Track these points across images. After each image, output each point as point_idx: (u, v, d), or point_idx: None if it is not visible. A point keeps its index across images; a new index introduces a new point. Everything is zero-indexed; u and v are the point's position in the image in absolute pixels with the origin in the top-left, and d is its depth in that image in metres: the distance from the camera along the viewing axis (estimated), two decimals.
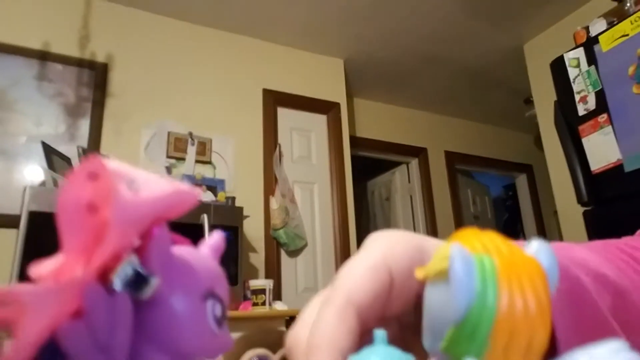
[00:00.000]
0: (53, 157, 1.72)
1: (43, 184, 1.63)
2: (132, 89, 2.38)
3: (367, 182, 4.31)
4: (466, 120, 4.27)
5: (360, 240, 4.05)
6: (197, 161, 2.42)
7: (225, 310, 0.14)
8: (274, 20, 2.69)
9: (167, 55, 2.54)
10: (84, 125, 2.18)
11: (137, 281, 0.12)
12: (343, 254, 2.71)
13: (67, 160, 1.82)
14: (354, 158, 3.37)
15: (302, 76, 2.97)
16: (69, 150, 1.97)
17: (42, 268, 0.12)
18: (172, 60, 2.54)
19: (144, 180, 0.12)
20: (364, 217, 4.26)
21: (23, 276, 1.40)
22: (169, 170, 2.34)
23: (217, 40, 2.72)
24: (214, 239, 0.16)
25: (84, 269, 0.11)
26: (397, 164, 3.95)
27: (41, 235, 1.44)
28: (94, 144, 2.17)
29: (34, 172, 1.96)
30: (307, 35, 2.85)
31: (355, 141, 3.52)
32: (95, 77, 2.26)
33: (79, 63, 2.24)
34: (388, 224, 3.98)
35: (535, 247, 0.14)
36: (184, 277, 0.13)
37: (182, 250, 0.14)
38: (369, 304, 0.17)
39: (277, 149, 2.70)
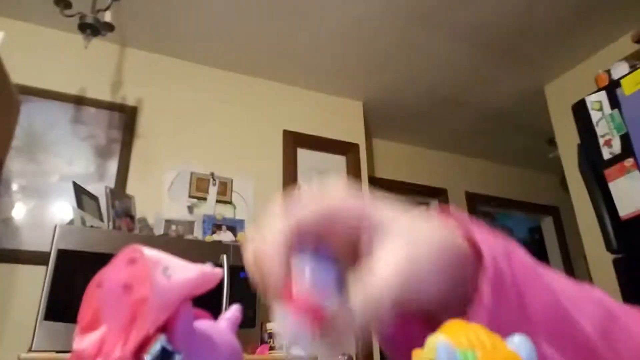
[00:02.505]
0: (82, 197, 1.78)
1: (72, 222, 1.68)
2: (158, 131, 2.47)
3: None
4: (488, 161, 4.23)
5: None
6: (218, 201, 2.45)
7: None
8: (294, 64, 2.78)
9: (192, 98, 2.65)
10: (113, 166, 2.26)
11: (164, 358, 0.12)
12: None
13: (95, 199, 1.88)
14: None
15: (321, 118, 3.03)
16: (98, 189, 2.03)
17: (85, 342, 0.13)
18: (196, 103, 2.65)
19: (176, 266, 0.13)
20: None
21: (50, 311, 1.42)
22: (190, 209, 2.37)
23: (238, 83, 2.83)
24: (231, 312, 0.17)
25: (122, 348, 0.12)
26: (417, 204, 3.92)
27: (68, 273, 1.47)
28: (121, 184, 2.23)
29: (64, 210, 2.03)
30: (327, 78, 2.93)
31: (374, 182, 3.52)
32: (125, 120, 2.37)
33: (111, 107, 2.36)
34: None
35: (516, 342, 0.16)
36: (205, 352, 0.14)
37: (204, 325, 0.15)
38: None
39: (297, 189, 2.73)
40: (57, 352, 1.41)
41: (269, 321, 2.29)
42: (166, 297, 0.12)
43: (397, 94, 3.13)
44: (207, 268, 0.15)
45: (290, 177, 2.75)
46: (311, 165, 2.89)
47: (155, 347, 0.12)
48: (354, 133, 3.11)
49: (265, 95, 2.89)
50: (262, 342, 1.81)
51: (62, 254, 1.48)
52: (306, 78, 2.93)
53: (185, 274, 0.13)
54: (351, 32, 2.51)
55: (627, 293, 1.57)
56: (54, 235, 1.49)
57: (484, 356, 0.15)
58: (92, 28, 1.74)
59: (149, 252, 0.13)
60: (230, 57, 2.69)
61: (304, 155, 2.89)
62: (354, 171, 2.99)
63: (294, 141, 2.86)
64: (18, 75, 2.19)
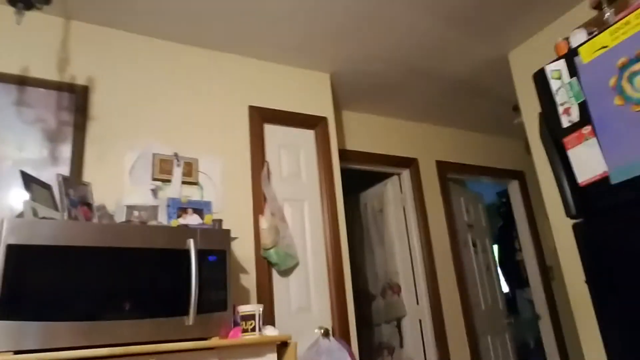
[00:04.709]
0: (33, 186, 1.69)
1: (21, 215, 1.59)
2: (114, 112, 2.35)
3: (359, 194, 4.29)
4: (456, 129, 4.27)
5: (352, 256, 4.04)
6: (183, 182, 2.38)
7: None
8: (257, 37, 2.68)
9: (150, 75, 2.52)
10: (66, 151, 2.14)
11: None
12: (335, 270, 2.67)
13: (48, 188, 1.79)
14: (345, 171, 3.34)
15: (288, 92, 2.95)
16: (53, 176, 1.93)
17: None
18: (154, 80, 2.52)
19: None
20: (357, 230, 4.23)
21: (1, 310, 1.36)
22: (154, 193, 2.30)
23: (200, 58, 2.70)
24: None
25: None
26: (388, 175, 3.94)
27: (20, 269, 1.40)
28: (76, 170, 2.13)
29: (18, 200, 1.92)
30: (292, 50, 2.85)
31: (345, 154, 3.50)
32: (76, 101, 2.23)
33: (59, 87, 2.21)
34: (381, 235, 3.95)
35: None
36: None
37: None
38: None
39: (266, 166, 2.68)
40: (15, 352, 1.35)
41: (242, 302, 2.29)
42: None
43: (364, 65, 3.07)
44: None
45: (258, 154, 2.69)
46: (279, 141, 2.84)
47: None
48: (322, 106, 3.05)
49: (228, 69, 2.78)
50: (236, 324, 1.80)
51: (13, 249, 1.40)
52: (271, 51, 2.83)
53: None
54: (315, 3, 2.42)
55: (586, 256, 1.62)
56: (0, 230, 1.41)
57: None
58: (23, 1, 1.59)
59: None
60: (189, 30, 2.56)
61: (272, 131, 2.83)
62: (323, 145, 2.95)
63: (261, 117, 2.79)
64: None
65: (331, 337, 2.36)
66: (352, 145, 3.63)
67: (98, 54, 2.40)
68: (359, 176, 3.91)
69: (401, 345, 3.62)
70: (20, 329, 1.36)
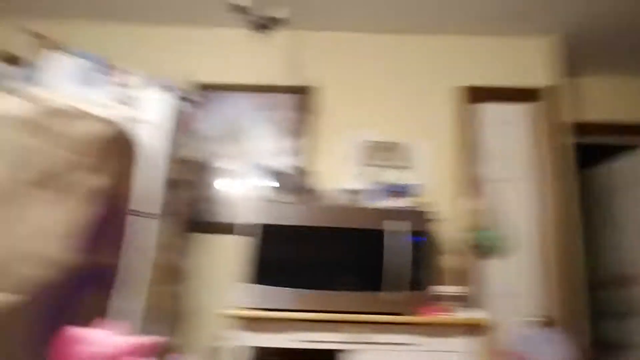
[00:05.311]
0: (277, 176, 2.17)
1: (271, 199, 2.08)
2: (335, 106, 2.71)
3: (589, 169, 3.73)
4: None
5: (586, 239, 3.55)
6: (393, 167, 2.58)
7: None
8: (469, 12, 2.59)
9: (365, 67, 2.78)
10: (298, 144, 2.60)
11: None
12: (560, 255, 2.49)
13: (289, 177, 2.26)
14: (573, 145, 2.98)
15: (503, 65, 2.79)
16: (287, 167, 2.40)
17: None
18: (369, 72, 2.77)
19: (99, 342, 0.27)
20: (582, 212, 3.73)
21: (258, 275, 1.82)
22: (368, 177, 2.54)
23: (405, 45, 2.82)
24: None
25: None
26: (631, 147, 3.31)
27: (267, 243, 1.85)
28: (309, 159, 2.56)
29: (260, 187, 2.47)
30: (508, 18, 2.65)
31: (576, 127, 3.09)
32: (305, 100, 2.66)
33: (294, 90, 2.68)
34: (613, 218, 3.41)
35: None
36: None
37: None
38: None
39: (477, 147, 2.64)
40: (265, 309, 1.77)
41: (445, 284, 2.37)
42: None
43: (601, 20, 2.61)
44: (138, 340, 0.26)
45: (465, 135, 2.67)
46: (492, 119, 2.74)
47: None
48: (542, 75, 2.78)
49: (437, 52, 2.83)
50: (430, 304, 1.88)
51: (266, 227, 1.85)
52: (484, 24, 2.72)
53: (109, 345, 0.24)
54: None
55: None
56: (254, 211, 1.86)
57: None
58: (264, 26, 2.08)
59: (82, 333, 0.25)
60: (399, 19, 2.69)
61: (484, 110, 2.74)
62: (545, 119, 2.70)
63: (472, 96, 2.74)
64: (211, 75, 2.68)
65: (544, 328, 2.25)
66: (587, 115, 3.18)
67: (322, 57, 2.77)
68: (590, 149, 3.41)
69: (636, 347, 3.14)
70: (268, 292, 1.81)
